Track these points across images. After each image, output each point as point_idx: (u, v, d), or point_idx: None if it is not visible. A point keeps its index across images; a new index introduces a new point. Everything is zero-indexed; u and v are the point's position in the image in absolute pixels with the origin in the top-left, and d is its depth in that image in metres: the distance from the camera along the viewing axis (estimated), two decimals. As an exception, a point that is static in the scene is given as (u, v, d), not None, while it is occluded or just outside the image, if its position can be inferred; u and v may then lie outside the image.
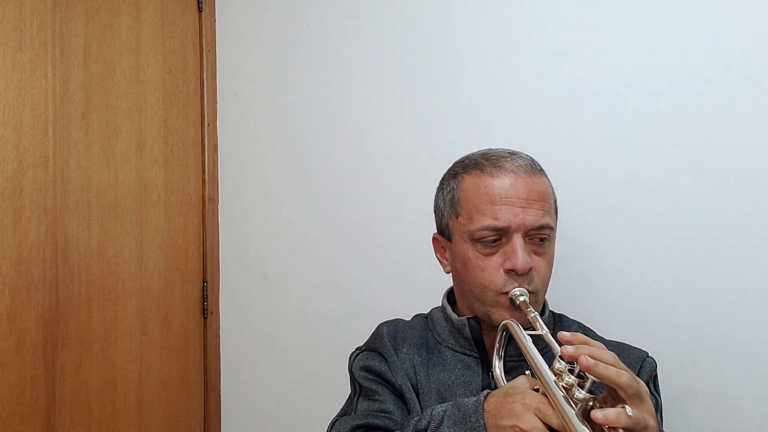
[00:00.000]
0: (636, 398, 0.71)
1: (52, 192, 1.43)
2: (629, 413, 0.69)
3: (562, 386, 0.74)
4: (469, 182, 0.96)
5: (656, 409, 0.91)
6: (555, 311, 1.08)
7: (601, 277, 1.25)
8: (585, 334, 0.98)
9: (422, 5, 1.47)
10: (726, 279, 1.14)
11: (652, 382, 0.96)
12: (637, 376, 0.91)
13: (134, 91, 1.61)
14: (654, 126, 1.21)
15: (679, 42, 1.19)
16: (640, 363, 0.96)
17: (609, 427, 0.69)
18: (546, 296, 1.01)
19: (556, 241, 1.01)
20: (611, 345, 0.98)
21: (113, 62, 1.57)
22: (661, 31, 1.21)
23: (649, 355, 0.99)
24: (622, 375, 0.72)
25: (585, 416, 0.71)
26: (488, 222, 0.92)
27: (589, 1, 1.28)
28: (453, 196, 0.99)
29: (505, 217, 0.91)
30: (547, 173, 1.01)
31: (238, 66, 1.78)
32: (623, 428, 0.69)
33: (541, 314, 0.98)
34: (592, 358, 0.73)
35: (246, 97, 1.76)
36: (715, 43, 1.16)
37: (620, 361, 0.75)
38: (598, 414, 0.68)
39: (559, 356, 0.76)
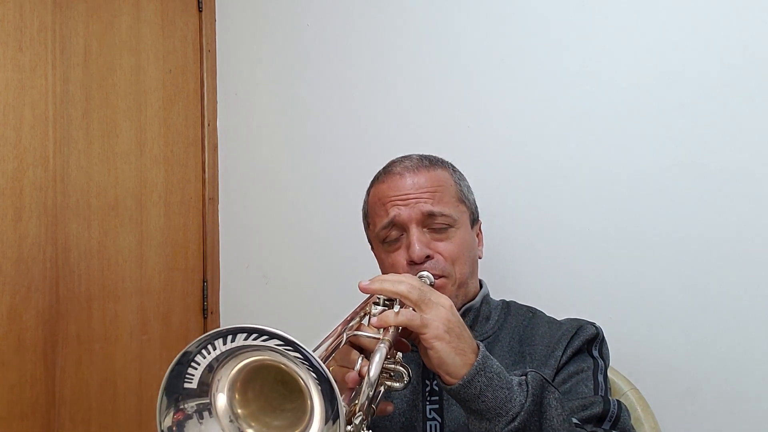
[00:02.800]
0: (423, 304, 0.76)
1: (52, 192, 1.43)
2: (396, 310, 0.74)
3: (366, 312, 0.80)
4: (371, 194, 1.08)
5: (597, 371, 0.94)
6: (507, 299, 1.11)
7: (601, 277, 1.25)
8: (533, 316, 1.05)
9: (422, 5, 1.47)
10: (726, 279, 1.14)
11: (597, 347, 0.98)
12: (571, 340, 0.96)
13: (134, 91, 1.61)
14: (654, 126, 1.20)
15: (679, 42, 1.19)
16: (576, 329, 0.98)
17: (384, 329, 0.74)
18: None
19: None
20: (558, 322, 1.02)
21: (113, 62, 1.57)
22: (660, 31, 1.21)
23: (596, 325, 1.00)
24: (399, 284, 0.77)
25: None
26: (383, 221, 1.02)
27: (589, 1, 1.28)
28: (366, 210, 1.11)
29: (394, 211, 1.00)
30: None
31: (238, 66, 1.78)
32: (395, 326, 0.74)
33: (471, 299, 1.03)
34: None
35: (246, 97, 1.76)
36: (716, 42, 1.16)
37: (411, 279, 0.80)
38: (373, 319, 0.75)
39: (377, 299, 0.81)
